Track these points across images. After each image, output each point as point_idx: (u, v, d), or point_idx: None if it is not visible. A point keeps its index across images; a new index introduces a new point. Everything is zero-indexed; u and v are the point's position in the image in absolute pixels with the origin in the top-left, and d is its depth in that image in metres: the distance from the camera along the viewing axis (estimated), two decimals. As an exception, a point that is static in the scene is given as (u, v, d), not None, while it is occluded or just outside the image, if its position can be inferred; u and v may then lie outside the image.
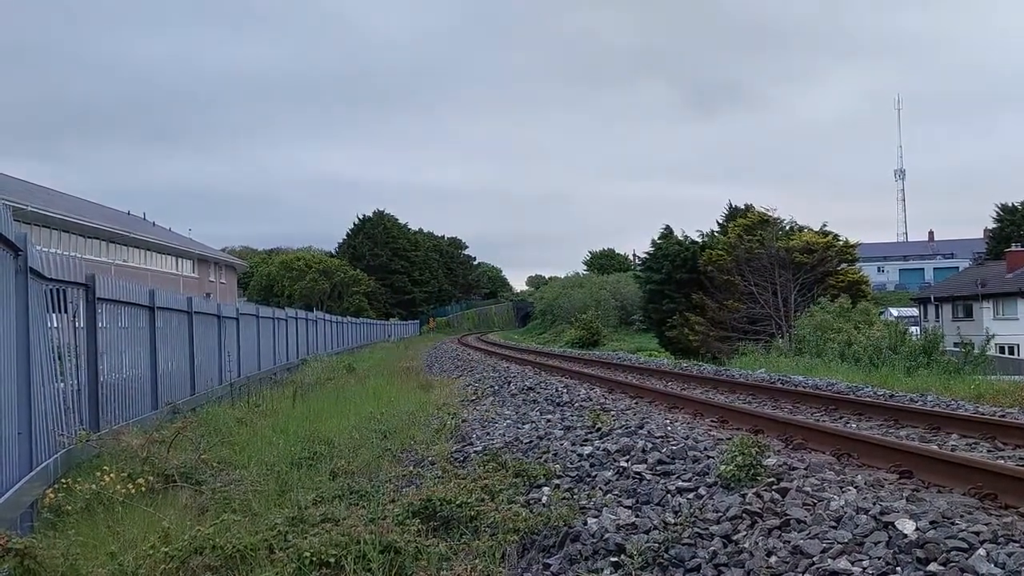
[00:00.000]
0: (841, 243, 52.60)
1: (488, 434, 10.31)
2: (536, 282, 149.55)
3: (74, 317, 8.62)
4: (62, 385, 8.03)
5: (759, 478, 6.10)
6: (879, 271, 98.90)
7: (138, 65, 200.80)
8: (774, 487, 5.87)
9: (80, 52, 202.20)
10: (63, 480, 6.94)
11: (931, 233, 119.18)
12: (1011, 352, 48.84)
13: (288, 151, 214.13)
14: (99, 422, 8.88)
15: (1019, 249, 60.08)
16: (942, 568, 4.27)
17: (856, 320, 32.84)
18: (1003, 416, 10.31)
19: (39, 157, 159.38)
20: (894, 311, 59.32)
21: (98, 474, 6.89)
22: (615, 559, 5.29)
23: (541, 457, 8.27)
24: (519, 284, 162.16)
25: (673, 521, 5.62)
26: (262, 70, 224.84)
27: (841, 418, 10.96)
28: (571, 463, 7.78)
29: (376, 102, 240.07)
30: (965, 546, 4.44)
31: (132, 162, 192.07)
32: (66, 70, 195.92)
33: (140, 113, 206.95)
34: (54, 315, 7.96)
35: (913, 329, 34.50)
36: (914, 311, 66.37)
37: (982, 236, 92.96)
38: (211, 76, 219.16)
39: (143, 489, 6.89)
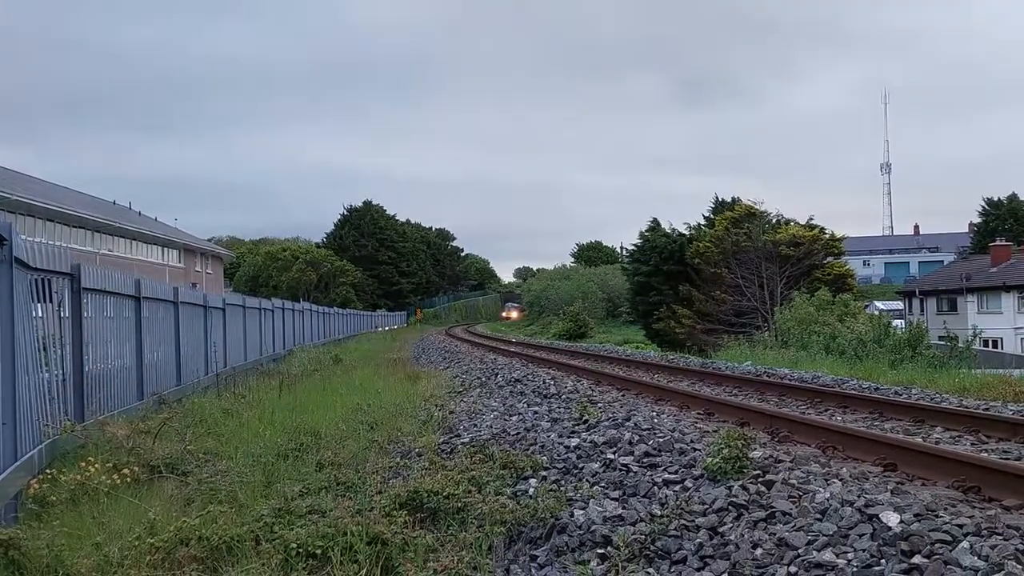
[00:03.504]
0: (827, 236, 52.91)
1: (475, 426, 10.32)
2: (524, 274, 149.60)
3: (59, 307, 8.56)
4: (47, 375, 7.97)
5: (745, 470, 6.13)
6: (865, 264, 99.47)
7: (122, 52, 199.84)
8: (760, 479, 5.90)
9: (64, 38, 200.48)
10: (48, 471, 6.89)
11: (916, 227, 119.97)
12: (995, 346, 49.25)
13: (275, 140, 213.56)
14: (84, 412, 8.83)
15: (1004, 243, 60.73)
16: (926, 560, 4.29)
17: (838, 311, 32.98)
18: (987, 409, 10.39)
19: (21, 143, 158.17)
20: (879, 304, 59.70)
21: (83, 464, 6.85)
22: (602, 551, 5.31)
23: (528, 449, 8.29)
24: (507, 276, 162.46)
25: (660, 513, 5.65)
26: (249, 58, 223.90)
27: (826, 411, 11.03)
28: (558, 455, 7.80)
29: (364, 92, 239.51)
30: (949, 538, 4.48)
31: (116, 150, 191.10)
32: (50, 56, 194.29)
33: (124, 100, 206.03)
34: (39, 305, 7.90)
35: (898, 322, 34.70)
36: (899, 304, 66.81)
37: (967, 230, 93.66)
38: (196, 63, 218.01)
39: (128, 480, 6.86)
